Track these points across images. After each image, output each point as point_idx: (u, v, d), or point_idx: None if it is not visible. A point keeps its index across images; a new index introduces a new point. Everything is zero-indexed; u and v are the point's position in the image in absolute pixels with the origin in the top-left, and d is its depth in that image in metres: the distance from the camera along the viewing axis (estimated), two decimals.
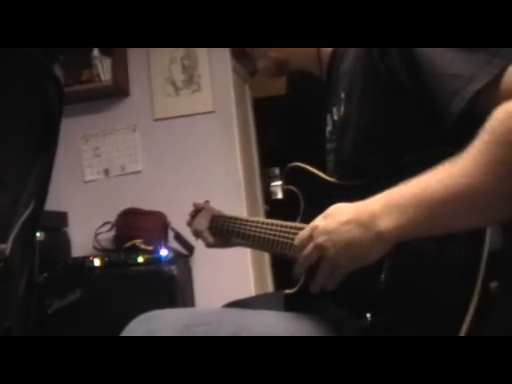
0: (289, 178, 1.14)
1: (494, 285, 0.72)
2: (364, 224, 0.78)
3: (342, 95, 1.02)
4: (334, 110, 1.07)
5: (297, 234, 0.91)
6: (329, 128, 1.12)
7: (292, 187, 1.12)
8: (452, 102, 0.75)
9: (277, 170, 4.63)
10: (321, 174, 1.07)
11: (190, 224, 1.46)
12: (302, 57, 1.14)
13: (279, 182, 4.56)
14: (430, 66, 0.79)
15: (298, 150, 1.16)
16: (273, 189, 4.59)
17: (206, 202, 1.48)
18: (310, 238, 0.84)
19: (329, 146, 1.11)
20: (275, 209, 3.72)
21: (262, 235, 1.15)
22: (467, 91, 0.74)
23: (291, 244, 1.02)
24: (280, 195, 4.59)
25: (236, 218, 1.29)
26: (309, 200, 1.09)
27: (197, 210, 1.45)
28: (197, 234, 1.42)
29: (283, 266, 1.19)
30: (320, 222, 0.84)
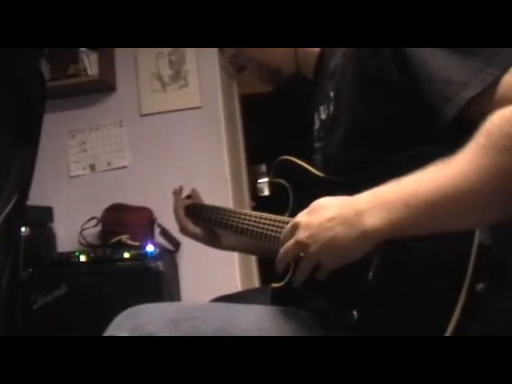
0: (278, 171, 1.13)
1: (480, 286, 0.73)
2: (348, 222, 0.77)
3: (331, 94, 1.01)
4: (321, 108, 1.07)
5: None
6: (316, 127, 1.11)
7: (281, 180, 1.11)
8: (445, 108, 0.75)
9: (263, 167, 4.64)
10: (311, 169, 1.06)
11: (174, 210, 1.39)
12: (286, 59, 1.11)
13: (266, 179, 4.56)
14: (423, 68, 0.78)
15: (285, 147, 1.15)
16: (259, 186, 4.59)
17: (193, 190, 1.44)
18: (292, 233, 0.84)
19: (316, 144, 1.11)
20: (262, 205, 3.72)
21: (251, 228, 1.13)
22: (461, 97, 0.74)
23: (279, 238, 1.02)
24: (267, 192, 4.59)
25: (223, 209, 1.26)
26: (298, 194, 1.08)
27: (186, 197, 1.43)
28: (176, 217, 1.37)
29: (269, 262, 1.18)
30: (303, 217, 0.83)
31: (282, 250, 0.86)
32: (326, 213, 0.79)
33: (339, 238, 0.77)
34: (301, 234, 0.81)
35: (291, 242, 0.84)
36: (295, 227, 0.83)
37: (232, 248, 1.39)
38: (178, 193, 1.39)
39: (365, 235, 0.76)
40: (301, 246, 0.82)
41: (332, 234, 0.78)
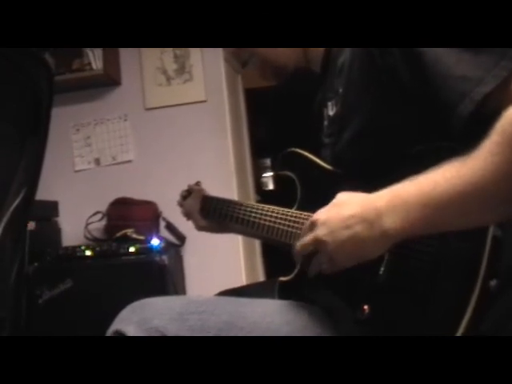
0: (285, 163, 1.12)
1: (493, 283, 0.72)
2: (369, 221, 0.76)
3: (340, 90, 1.00)
4: (330, 104, 1.06)
5: (299, 222, 0.90)
6: (325, 122, 1.10)
7: (288, 173, 1.10)
8: (460, 105, 0.75)
9: (268, 161, 4.63)
10: (319, 162, 1.06)
11: (181, 204, 1.43)
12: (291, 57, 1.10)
13: (271, 173, 4.55)
14: (435, 65, 0.78)
15: (290, 141, 1.14)
16: (264, 180, 4.58)
17: (198, 182, 1.45)
18: (311, 228, 0.83)
19: (325, 140, 1.10)
20: (266, 200, 3.71)
21: (262, 222, 1.12)
22: (476, 94, 0.73)
23: (295, 233, 1.01)
24: (271, 186, 4.58)
25: (230, 202, 1.27)
26: (307, 187, 1.07)
27: (188, 191, 1.44)
28: (188, 215, 1.40)
29: (274, 255, 1.18)
30: (322, 214, 0.82)
31: (298, 244, 0.86)
32: (346, 210, 0.79)
33: (358, 238, 0.77)
34: (320, 231, 0.81)
35: (309, 237, 0.83)
36: (314, 224, 0.83)
37: (237, 234, 1.43)
38: (184, 195, 1.42)
39: (384, 235, 0.76)
40: (318, 242, 0.82)
41: (351, 233, 0.77)
